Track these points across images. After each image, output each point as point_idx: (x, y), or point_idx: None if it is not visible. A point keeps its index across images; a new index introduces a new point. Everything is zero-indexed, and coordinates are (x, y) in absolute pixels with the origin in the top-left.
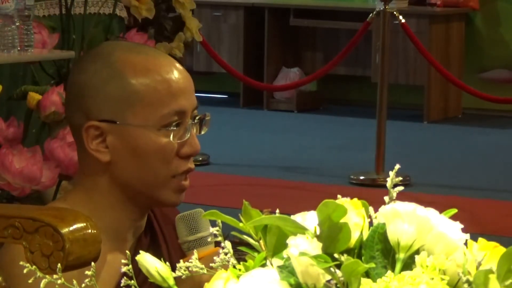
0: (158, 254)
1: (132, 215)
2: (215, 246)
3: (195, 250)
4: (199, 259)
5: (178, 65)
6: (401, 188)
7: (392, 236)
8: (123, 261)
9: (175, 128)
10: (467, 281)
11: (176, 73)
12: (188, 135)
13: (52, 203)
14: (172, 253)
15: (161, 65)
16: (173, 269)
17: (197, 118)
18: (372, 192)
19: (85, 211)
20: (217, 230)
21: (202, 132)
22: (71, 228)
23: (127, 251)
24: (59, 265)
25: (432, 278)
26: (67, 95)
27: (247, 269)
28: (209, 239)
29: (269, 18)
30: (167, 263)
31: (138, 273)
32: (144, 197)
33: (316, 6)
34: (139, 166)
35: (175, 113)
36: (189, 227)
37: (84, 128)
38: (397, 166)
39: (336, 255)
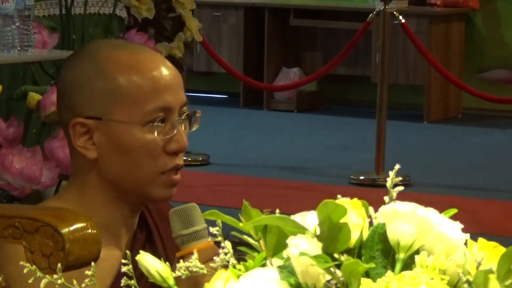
0: (154, 250)
1: (124, 212)
2: (215, 245)
3: (191, 244)
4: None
5: (165, 62)
6: (401, 188)
7: (392, 236)
8: (123, 261)
9: (160, 124)
10: (467, 281)
11: (162, 69)
12: (175, 132)
13: (46, 201)
14: (168, 248)
15: (146, 62)
16: (170, 264)
17: (184, 114)
18: (372, 192)
19: (78, 209)
20: (217, 230)
21: (193, 129)
22: (71, 228)
23: (127, 251)
24: (59, 265)
25: (432, 278)
26: (56, 93)
27: (247, 269)
28: (202, 233)
29: (269, 18)
30: (165, 259)
31: (135, 269)
32: (135, 195)
33: (316, 6)
34: (125, 163)
35: (160, 109)
36: (183, 221)
37: (70, 125)
38: (397, 166)
39: (336, 255)
